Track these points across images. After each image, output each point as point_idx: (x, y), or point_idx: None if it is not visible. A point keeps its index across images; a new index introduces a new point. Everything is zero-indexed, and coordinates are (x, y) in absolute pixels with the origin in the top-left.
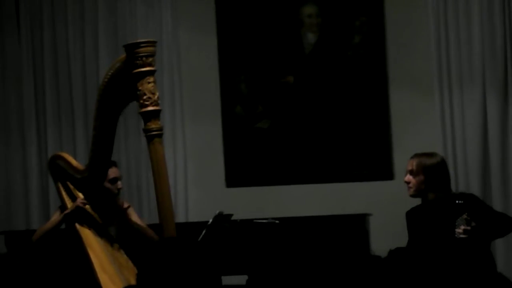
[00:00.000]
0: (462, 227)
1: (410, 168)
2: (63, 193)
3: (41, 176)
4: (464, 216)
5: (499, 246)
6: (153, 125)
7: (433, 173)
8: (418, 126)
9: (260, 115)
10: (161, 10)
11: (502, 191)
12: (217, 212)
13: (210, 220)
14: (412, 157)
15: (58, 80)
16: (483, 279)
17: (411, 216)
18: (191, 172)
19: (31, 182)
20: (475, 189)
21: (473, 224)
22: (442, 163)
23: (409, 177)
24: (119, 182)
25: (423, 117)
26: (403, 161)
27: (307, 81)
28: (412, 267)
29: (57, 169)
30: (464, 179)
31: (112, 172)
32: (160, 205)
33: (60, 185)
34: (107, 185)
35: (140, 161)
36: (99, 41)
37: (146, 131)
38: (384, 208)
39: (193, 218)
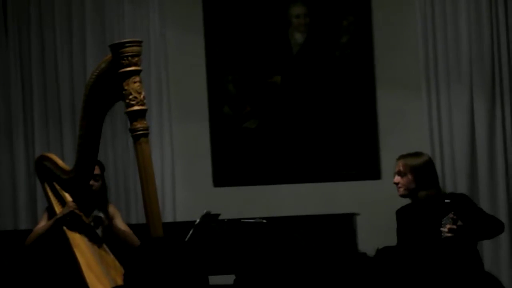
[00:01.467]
0: (448, 226)
1: (397, 169)
2: (50, 193)
3: (28, 176)
4: (451, 215)
5: (487, 245)
6: (139, 124)
7: (420, 173)
8: (405, 126)
9: (247, 115)
10: (148, 10)
11: (489, 191)
12: (205, 211)
13: (198, 220)
14: (398, 158)
15: (45, 81)
16: (470, 278)
17: (401, 214)
18: (178, 171)
19: (18, 182)
20: (462, 189)
21: (459, 223)
22: (429, 162)
23: (397, 178)
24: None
25: (410, 117)
26: (390, 160)
27: (294, 81)
28: (400, 266)
29: (44, 170)
30: (452, 179)
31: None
32: (147, 205)
33: (46, 185)
34: None
35: (127, 161)
36: (87, 42)
37: (132, 130)
38: (371, 207)
39: (181, 217)
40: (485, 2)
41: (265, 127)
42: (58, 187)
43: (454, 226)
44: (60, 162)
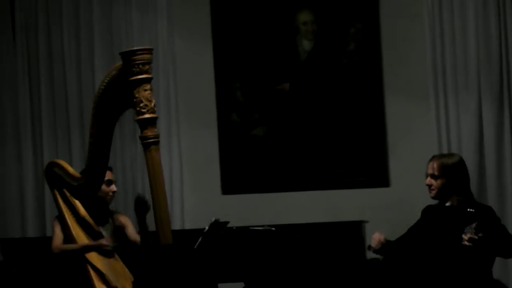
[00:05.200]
0: (469, 235)
1: (431, 171)
2: (60, 200)
3: (36, 183)
4: (474, 225)
5: None
6: (149, 132)
7: (454, 173)
8: (413, 133)
9: (255, 122)
10: (156, 17)
11: (498, 197)
12: (213, 219)
13: (206, 228)
14: (431, 159)
15: (53, 88)
16: (480, 285)
17: (427, 213)
18: (187, 179)
19: (26, 189)
20: None
21: (480, 234)
22: (462, 162)
23: (430, 180)
24: (113, 185)
25: (418, 124)
26: (398, 168)
27: (302, 88)
28: (413, 267)
29: (54, 176)
30: None
31: (107, 175)
32: (156, 213)
33: (56, 192)
34: (102, 187)
35: (135, 167)
36: (95, 48)
37: (143, 138)
38: (380, 215)
39: (189, 225)
40: (493, 7)
41: (273, 134)
42: (68, 193)
43: (475, 236)
44: (70, 168)
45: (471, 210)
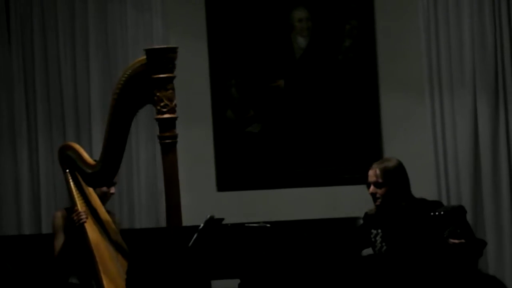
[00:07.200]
0: (456, 240)
1: (373, 179)
2: (71, 184)
3: (32, 181)
4: (458, 230)
5: (491, 249)
6: (168, 133)
7: (397, 177)
8: (409, 130)
9: (251, 119)
10: (151, 16)
11: (493, 195)
12: (208, 216)
13: (202, 225)
14: (372, 168)
15: (48, 87)
16: (475, 281)
17: (371, 220)
18: (182, 176)
19: (22, 187)
20: (466, 193)
21: (463, 239)
22: (402, 165)
23: (374, 189)
24: (113, 187)
25: (414, 121)
26: None
27: (297, 85)
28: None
29: (67, 159)
30: (455, 183)
31: None
32: (169, 214)
33: (68, 175)
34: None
35: (130, 166)
36: (90, 47)
37: (161, 138)
38: None
39: (184, 222)
40: (488, 5)
41: (268, 131)
42: (80, 178)
43: (463, 240)
44: (84, 154)
45: (438, 213)
